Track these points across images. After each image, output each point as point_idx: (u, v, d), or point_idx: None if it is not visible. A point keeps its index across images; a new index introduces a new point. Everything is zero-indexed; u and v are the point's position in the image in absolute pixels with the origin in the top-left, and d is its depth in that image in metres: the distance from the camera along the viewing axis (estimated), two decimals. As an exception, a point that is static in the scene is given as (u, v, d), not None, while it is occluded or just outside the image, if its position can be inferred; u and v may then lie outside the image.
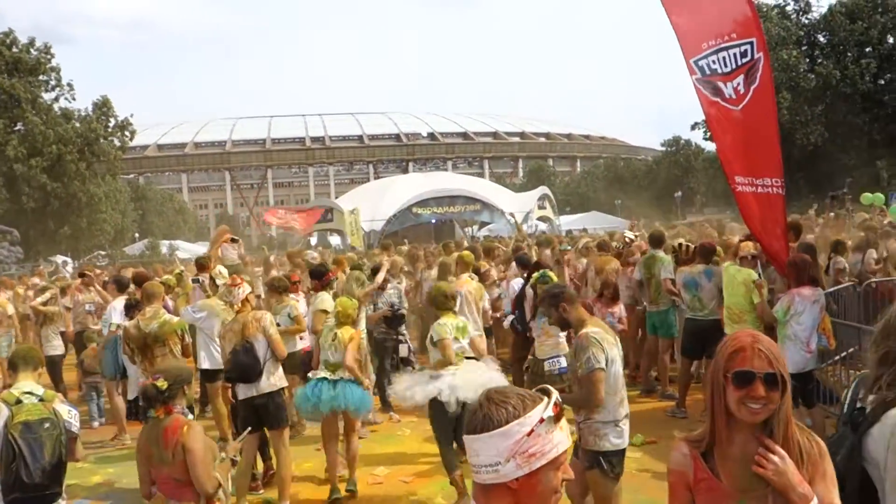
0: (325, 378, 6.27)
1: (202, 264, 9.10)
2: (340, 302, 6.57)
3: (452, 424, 5.88)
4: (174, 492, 3.97)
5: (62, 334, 10.71)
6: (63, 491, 4.22)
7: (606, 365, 4.27)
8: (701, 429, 2.28)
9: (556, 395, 1.72)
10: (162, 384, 3.96)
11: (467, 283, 8.43)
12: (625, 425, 4.45)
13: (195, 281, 9.02)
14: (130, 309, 7.46)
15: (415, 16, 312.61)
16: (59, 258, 32.65)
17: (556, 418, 1.69)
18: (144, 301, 6.68)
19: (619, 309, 8.63)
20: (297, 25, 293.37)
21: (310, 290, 8.69)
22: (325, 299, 7.57)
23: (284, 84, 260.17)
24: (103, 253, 40.33)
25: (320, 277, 7.95)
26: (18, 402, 4.04)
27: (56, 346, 10.24)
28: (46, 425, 4.02)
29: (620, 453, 4.42)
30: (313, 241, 48.83)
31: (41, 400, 4.11)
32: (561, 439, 1.70)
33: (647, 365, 9.50)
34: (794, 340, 6.27)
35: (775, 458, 2.09)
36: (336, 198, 59.31)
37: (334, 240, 50.19)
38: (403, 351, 8.89)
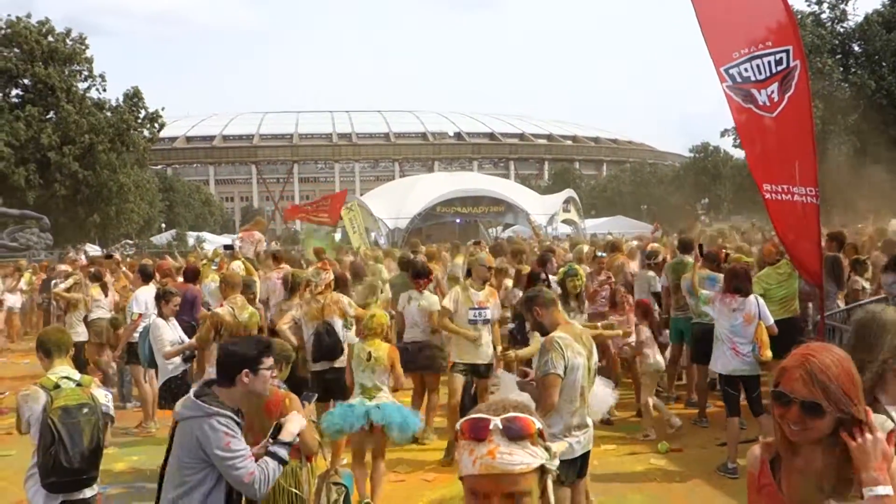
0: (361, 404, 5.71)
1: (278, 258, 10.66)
2: (374, 314, 6.09)
3: None
4: None
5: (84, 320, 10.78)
6: (98, 475, 4.27)
7: (565, 372, 4.25)
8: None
9: (496, 420, 1.56)
10: None
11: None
12: (580, 435, 4.44)
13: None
14: (159, 299, 7.53)
15: (443, 16, 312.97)
16: (88, 246, 33.02)
17: (466, 434, 1.57)
18: (228, 290, 6.88)
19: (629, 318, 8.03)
20: (325, 22, 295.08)
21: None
22: (436, 298, 7.84)
23: (312, 79, 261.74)
24: (130, 242, 40.77)
25: (425, 276, 7.90)
26: (57, 386, 4.10)
27: (80, 333, 10.30)
28: (85, 410, 4.08)
29: (568, 463, 4.32)
30: (338, 236, 48.99)
31: (79, 385, 4.17)
32: (465, 464, 1.57)
33: (673, 373, 9.26)
34: (722, 341, 6.72)
35: (868, 436, 1.97)
36: (361, 195, 59.50)
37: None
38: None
